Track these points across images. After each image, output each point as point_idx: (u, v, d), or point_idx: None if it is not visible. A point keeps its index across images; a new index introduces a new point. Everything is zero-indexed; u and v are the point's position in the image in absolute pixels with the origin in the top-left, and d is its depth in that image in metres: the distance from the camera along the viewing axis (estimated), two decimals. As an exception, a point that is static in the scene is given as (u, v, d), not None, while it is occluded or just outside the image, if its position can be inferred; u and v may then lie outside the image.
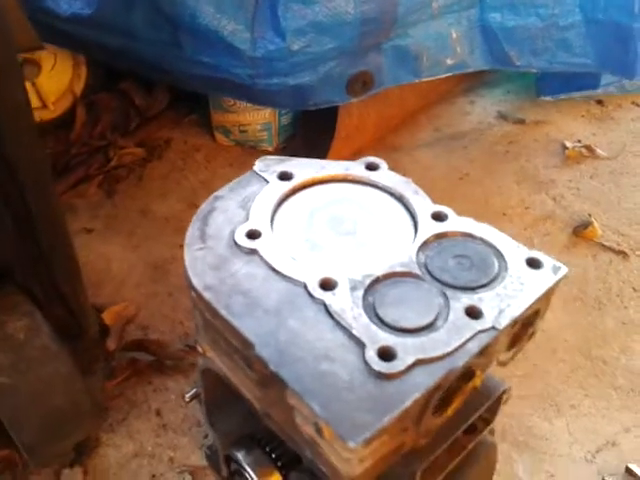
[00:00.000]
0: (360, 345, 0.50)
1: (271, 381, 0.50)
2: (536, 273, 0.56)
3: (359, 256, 0.58)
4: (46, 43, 1.30)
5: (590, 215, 1.38)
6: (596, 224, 1.34)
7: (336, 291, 0.54)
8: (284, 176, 0.65)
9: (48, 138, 1.47)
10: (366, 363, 0.48)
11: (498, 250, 0.58)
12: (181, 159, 1.53)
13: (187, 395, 0.78)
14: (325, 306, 0.53)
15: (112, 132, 1.53)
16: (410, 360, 0.48)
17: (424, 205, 0.62)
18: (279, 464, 0.68)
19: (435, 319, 0.52)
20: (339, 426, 0.45)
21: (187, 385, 1.03)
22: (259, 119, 1.51)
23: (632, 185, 1.49)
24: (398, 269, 0.56)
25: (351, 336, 0.51)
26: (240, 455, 0.70)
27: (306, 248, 0.59)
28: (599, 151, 1.56)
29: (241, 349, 0.52)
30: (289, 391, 0.48)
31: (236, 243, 0.58)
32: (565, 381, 1.06)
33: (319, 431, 0.47)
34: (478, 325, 0.51)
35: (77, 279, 0.89)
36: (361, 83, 1.28)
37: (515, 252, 0.58)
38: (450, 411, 0.53)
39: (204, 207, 0.62)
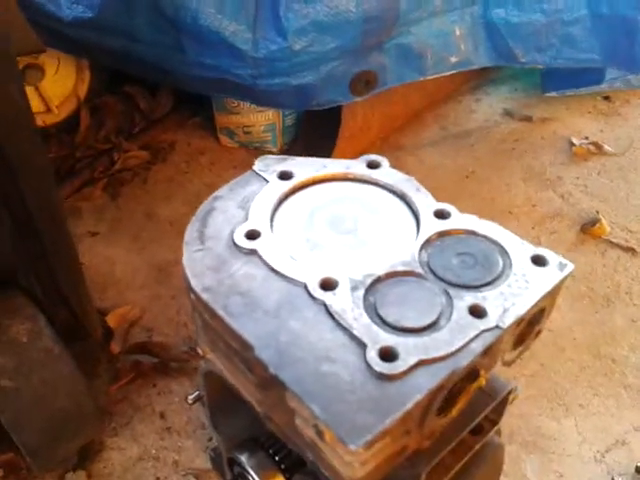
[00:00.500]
0: (361, 346, 0.49)
1: (271, 383, 0.49)
2: (541, 270, 0.55)
3: (360, 255, 0.57)
4: (49, 47, 1.30)
5: (598, 212, 1.36)
6: (604, 221, 1.32)
7: (337, 291, 0.53)
8: (284, 175, 0.64)
9: (52, 142, 1.47)
10: (367, 364, 0.48)
11: (502, 247, 0.57)
12: (185, 162, 1.53)
13: (190, 398, 0.78)
14: (325, 306, 0.52)
15: (116, 135, 1.53)
16: (412, 361, 0.47)
17: (426, 202, 0.61)
18: (282, 467, 0.67)
19: (438, 318, 0.51)
20: (340, 429, 0.44)
21: (191, 388, 1.02)
22: (263, 120, 1.50)
23: (640, 181, 1.47)
24: (400, 268, 0.55)
25: (352, 337, 0.50)
26: (243, 458, 0.69)
27: (306, 248, 0.58)
28: (607, 147, 1.55)
29: (240, 351, 0.52)
30: (289, 393, 0.47)
31: (235, 243, 0.57)
32: (574, 380, 1.05)
33: (320, 434, 0.46)
34: (482, 324, 0.50)
35: (80, 282, 0.89)
36: (364, 82, 1.27)
37: (520, 249, 0.57)
38: (454, 412, 0.52)
39: (203, 207, 0.61)
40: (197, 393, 0.77)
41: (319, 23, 1.13)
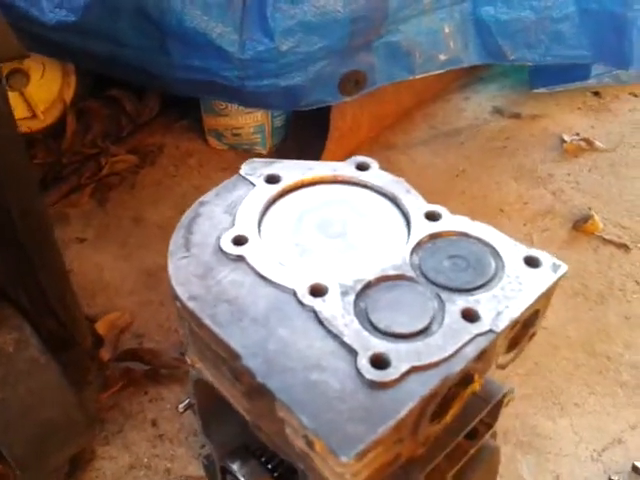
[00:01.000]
0: (352, 353, 0.48)
1: (259, 393, 0.48)
2: (535, 272, 0.54)
3: (350, 260, 0.56)
4: (33, 52, 1.28)
5: (590, 209, 1.36)
6: (596, 217, 1.32)
7: (326, 297, 0.52)
8: (271, 179, 0.63)
9: (38, 148, 1.46)
10: (358, 371, 0.46)
11: (495, 249, 0.56)
12: (174, 165, 1.51)
13: (181, 406, 0.76)
14: (315, 313, 0.51)
15: (103, 140, 1.51)
16: (404, 367, 0.46)
17: (417, 204, 0.60)
18: (275, 475, 0.66)
19: (430, 323, 0.50)
20: (330, 439, 0.43)
21: (183, 394, 1.01)
22: (252, 122, 1.49)
23: (632, 177, 1.47)
24: (390, 272, 0.53)
25: (342, 343, 0.48)
26: (235, 467, 0.68)
27: (295, 253, 0.57)
28: (597, 143, 1.54)
29: (228, 360, 0.50)
30: (278, 403, 0.46)
31: (222, 250, 0.56)
32: (569, 379, 1.04)
33: (310, 444, 0.45)
34: (475, 328, 0.49)
35: (67, 291, 0.88)
36: (354, 82, 1.26)
37: (512, 251, 0.56)
38: (448, 418, 0.51)
39: (188, 214, 0.60)
40: (188, 401, 0.76)
41: (306, 23, 1.11)
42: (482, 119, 1.66)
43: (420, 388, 0.46)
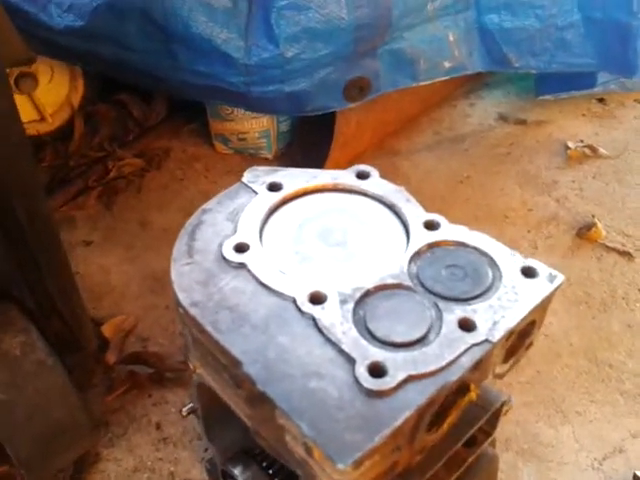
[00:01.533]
0: (350, 361, 0.49)
1: (260, 399, 0.49)
2: (531, 282, 0.54)
3: (349, 268, 0.57)
4: (42, 55, 1.30)
5: (594, 216, 1.36)
6: (600, 225, 1.32)
7: (325, 305, 0.52)
8: (273, 187, 0.64)
9: (46, 151, 1.47)
10: (356, 380, 0.47)
11: (492, 259, 0.56)
12: (180, 169, 1.52)
13: (184, 410, 0.77)
14: (314, 321, 0.51)
15: (110, 143, 1.53)
16: (401, 376, 0.47)
17: (416, 213, 0.61)
18: (276, 480, 0.67)
19: (427, 332, 0.50)
20: (328, 446, 0.44)
21: (187, 398, 1.02)
22: (257, 127, 1.50)
23: (636, 184, 1.47)
24: (389, 281, 0.54)
25: (341, 351, 0.49)
26: (237, 471, 0.69)
27: (295, 261, 0.58)
28: (602, 150, 1.54)
29: (229, 366, 0.51)
30: (277, 410, 0.47)
31: (224, 257, 0.57)
32: (570, 387, 1.04)
33: (309, 451, 0.46)
34: (471, 338, 0.50)
35: (73, 294, 0.89)
36: (358, 88, 1.27)
37: (510, 261, 0.56)
38: (445, 426, 0.52)
39: (192, 221, 0.61)
40: (191, 405, 0.77)
41: (311, 30, 1.12)
42: (487, 125, 1.66)
43: (417, 397, 0.46)
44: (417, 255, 0.57)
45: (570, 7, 1.33)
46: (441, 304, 0.52)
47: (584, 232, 1.32)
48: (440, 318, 0.51)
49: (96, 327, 1.08)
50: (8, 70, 0.70)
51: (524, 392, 1.02)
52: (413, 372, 0.47)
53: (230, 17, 1.12)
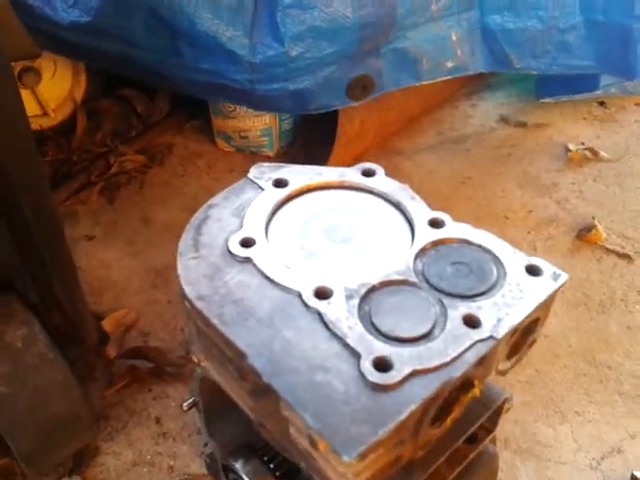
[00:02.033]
0: (355, 355, 0.49)
1: (265, 392, 0.49)
2: (536, 280, 0.55)
3: (355, 264, 0.57)
4: (46, 51, 1.30)
5: (594, 218, 1.36)
6: (600, 227, 1.33)
7: (331, 300, 0.53)
8: (279, 183, 0.64)
9: (49, 145, 1.47)
10: (361, 374, 0.48)
11: (497, 257, 0.57)
12: (182, 165, 1.53)
13: (185, 404, 0.78)
14: (320, 315, 0.52)
15: (113, 139, 1.53)
16: (406, 371, 0.47)
17: (421, 211, 0.62)
18: (277, 474, 0.67)
19: (432, 328, 0.51)
20: (333, 439, 0.44)
21: (187, 393, 1.02)
22: (260, 125, 1.50)
23: (636, 187, 1.47)
24: (394, 277, 0.55)
25: (346, 346, 0.50)
26: (238, 465, 0.69)
27: (301, 256, 0.58)
28: (602, 153, 1.55)
29: (234, 359, 0.52)
30: (282, 402, 0.47)
31: (230, 252, 0.57)
32: (569, 387, 1.05)
33: (313, 444, 0.46)
34: (476, 334, 0.50)
35: (76, 287, 0.89)
36: (361, 87, 1.27)
37: (514, 259, 0.57)
38: (449, 422, 0.52)
39: (198, 215, 0.61)
40: (192, 399, 0.77)
41: (316, 29, 1.13)
42: (488, 127, 1.67)
43: (421, 391, 0.47)
44: (422, 252, 0.57)
45: (572, 9, 1.33)
46: (446, 300, 0.53)
47: (584, 234, 1.33)
48: (445, 314, 0.52)
49: (97, 321, 1.08)
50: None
51: (523, 392, 1.03)
52: (418, 367, 0.48)
53: (236, 15, 1.12)
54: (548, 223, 1.37)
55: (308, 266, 0.57)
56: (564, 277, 0.55)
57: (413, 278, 0.55)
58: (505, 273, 0.55)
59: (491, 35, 1.34)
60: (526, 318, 0.52)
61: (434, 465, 0.58)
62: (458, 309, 0.52)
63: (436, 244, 0.58)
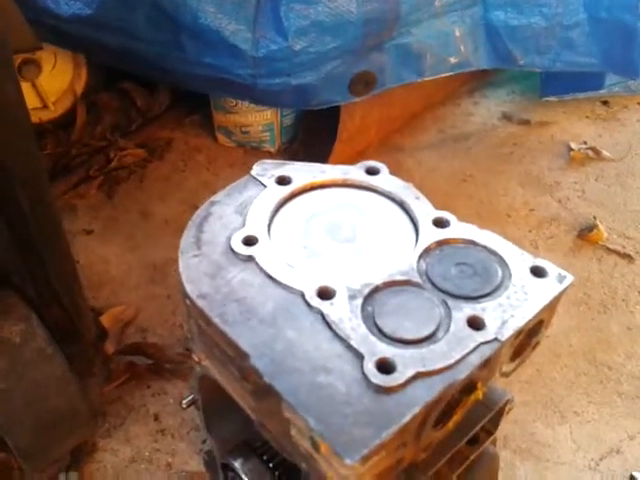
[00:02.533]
0: (358, 356, 0.48)
1: (266, 392, 0.49)
2: (541, 282, 0.54)
3: (358, 264, 0.57)
4: (47, 43, 1.29)
5: (595, 218, 1.36)
6: (601, 227, 1.32)
7: (334, 300, 0.52)
8: (282, 180, 0.64)
9: (48, 138, 1.46)
10: (364, 375, 0.47)
11: (502, 258, 0.56)
12: (182, 160, 1.52)
13: (184, 402, 0.77)
14: (322, 315, 0.51)
15: (113, 133, 1.52)
16: (410, 373, 0.47)
17: (425, 210, 0.61)
18: (277, 473, 0.67)
19: (436, 330, 0.50)
20: (335, 441, 0.44)
21: (186, 389, 1.02)
22: (261, 120, 1.49)
23: (638, 187, 1.47)
24: (398, 277, 0.54)
25: (349, 347, 0.49)
26: (237, 464, 0.69)
27: (304, 255, 0.57)
28: (605, 153, 1.54)
29: (236, 359, 0.51)
30: (284, 403, 0.47)
31: (232, 250, 0.56)
32: (569, 387, 1.05)
33: (315, 445, 0.46)
34: (480, 336, 0.50)
35: (74, 282, 0.88)
36: (364, 83, 1.27)
37: (519, 260, 0.56)
38: (451, 424, 0.52)
39: (199, 213, 0.61)
40: (191, 397, 0.77)
41: (320, 23, 1.12)
42: (490, 124, 1.66)
43: (425, 394, 0.46)
44: (426, 252, 0.57)
45: (576, 6, 1.33)
46: (450, 302, 0.52)
47: (585, 233, 1.32)
48: (449, 316, 0.51)
49: (95, 317, 1.07)
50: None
51: (523, 391, 1.03)
52: (421, 369, 0.47)
53: (239, 9, 1.11)
54: (549, 222, 1.37)
55: (311, 265, 0.56)
56: (569, 279, 0.55)
57: (417, 278, 0.54)
58: (510, 274, 0.55)
59: (494, 31, 1.33)
60: (531, 320, 0.52)
61: (436, 467, 0.58)
62: (462, 310, 0.52)
63: (440, 244, 0.57)
